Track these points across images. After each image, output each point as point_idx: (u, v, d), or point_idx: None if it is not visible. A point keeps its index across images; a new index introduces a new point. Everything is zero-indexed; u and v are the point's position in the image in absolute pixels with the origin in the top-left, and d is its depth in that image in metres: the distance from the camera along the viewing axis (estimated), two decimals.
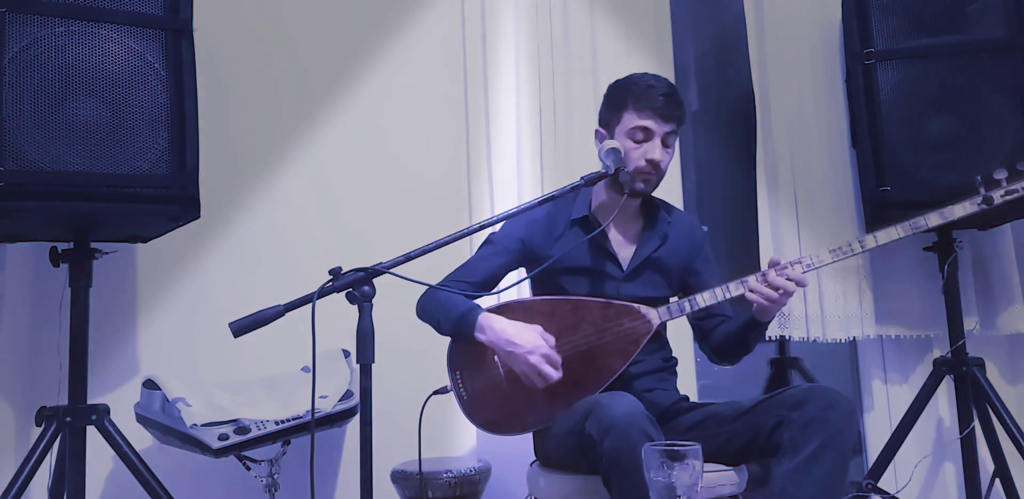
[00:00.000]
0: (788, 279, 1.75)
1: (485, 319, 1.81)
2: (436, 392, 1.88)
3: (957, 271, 2.49)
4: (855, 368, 2.84)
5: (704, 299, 1.84)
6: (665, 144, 1.89)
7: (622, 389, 1.79)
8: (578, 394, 1.78)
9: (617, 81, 1.96)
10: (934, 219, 1.85)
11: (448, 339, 1.91)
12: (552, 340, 1.79)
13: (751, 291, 1.78)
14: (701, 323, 2.03)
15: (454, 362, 1.89)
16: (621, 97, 1.91)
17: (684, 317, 2.06)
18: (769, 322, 1.87)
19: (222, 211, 2.55)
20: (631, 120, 1.88)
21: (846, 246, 1.84)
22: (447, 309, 1.87)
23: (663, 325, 1.92)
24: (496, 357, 1.84)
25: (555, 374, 1.76)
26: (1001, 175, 1.84)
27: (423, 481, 2.24)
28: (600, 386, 1.81)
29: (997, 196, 1.84)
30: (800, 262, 1.81)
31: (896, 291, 2.68)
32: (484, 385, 1.86)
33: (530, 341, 1.76)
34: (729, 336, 1.94)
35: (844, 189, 2.66)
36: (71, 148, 1.90)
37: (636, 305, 1.86)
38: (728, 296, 1.83)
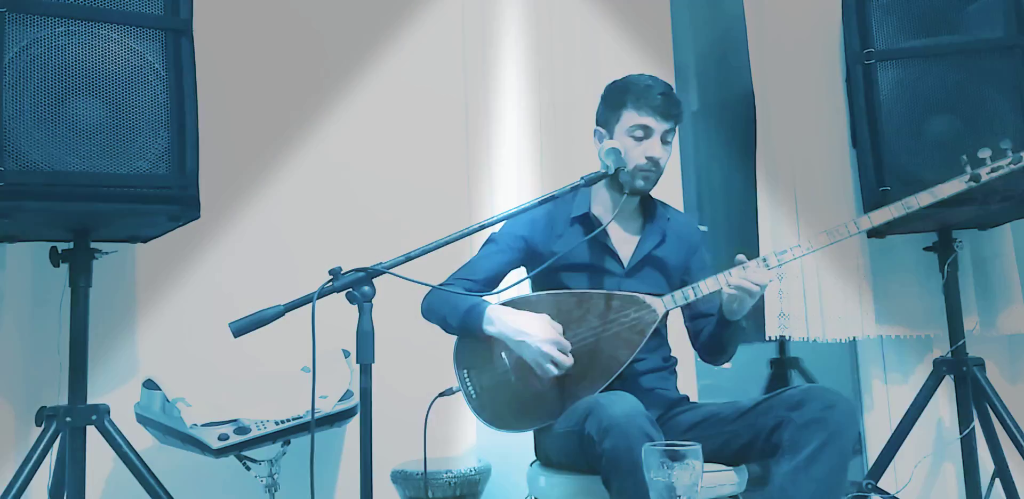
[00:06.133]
0: (745, 279, 1.75)
1: (493, 311, 1.82)
2: (442, 394, 1.86)
3: (957, 271, 2.50)
4: (855, 368, 2.84)
5: (707, 286, 1.83)
6: (664, 141, 1.92)
7: (628, 386, 1.80)
8: (586, 386, 1.78)
9: (615, 81, 1.98)
10: (924, 198, 1.87)
11: (452, 339, 1.91)
12: (560, 328, 1.80)
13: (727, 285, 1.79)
14: (691, 324, 2.05)
15: (461, 361, 1.89)
16: (620, 96, 1.93)
17: (682, 318, 2.06)
18: (738, 321, 1.85)
19: (222, 211, 2.55)
20: (631, 118, 1.90)
21: (842, 228, 1.85)
22: (452, 306, 1.87)
23: (664, 321, 1.93)
24: (503, 353, 1.85)
25: (568, 360, 1.76)
26: (985, 153, 1.87)
27: (426, 481, 2.24)
28: (608, 378, 1.81)
29: (984, 173, 1.86)
30: (799, 246, 1.83)
31: (896, 291, 2.68)
32: (492, 382, 1.86)
33: (540, 329, 1.77)
34: (709, 336, 1.95)
35: (844, 189, 2.66)
36: (71, 148, 1.90)
37: (641, 295, 1.87)
38: (729, 281, 1.80)
